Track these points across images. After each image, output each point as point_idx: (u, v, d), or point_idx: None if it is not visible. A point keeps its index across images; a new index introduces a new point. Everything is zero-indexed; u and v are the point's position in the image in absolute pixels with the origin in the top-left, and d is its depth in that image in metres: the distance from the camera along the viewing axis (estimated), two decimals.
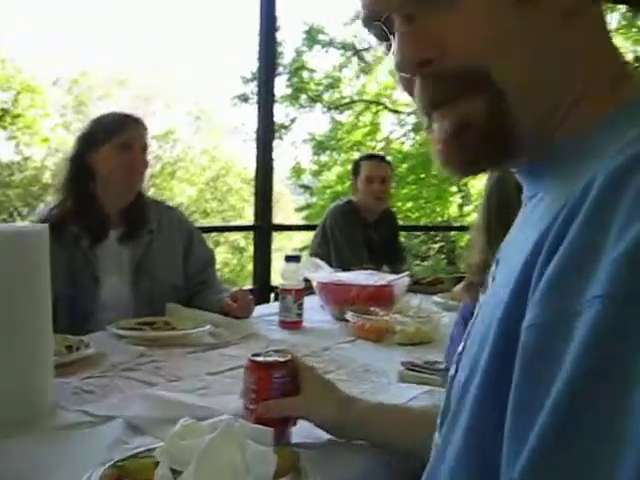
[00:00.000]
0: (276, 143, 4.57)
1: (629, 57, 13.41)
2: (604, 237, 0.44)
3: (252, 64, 14.59)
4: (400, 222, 4.72)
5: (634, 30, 13.15)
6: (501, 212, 1.45)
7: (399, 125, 14.89)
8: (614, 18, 12.68)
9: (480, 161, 0.62)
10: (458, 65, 0.57)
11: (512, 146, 0.60)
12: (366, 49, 14.13)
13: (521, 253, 0.53)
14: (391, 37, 0.62)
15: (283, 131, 14.65)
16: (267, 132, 4.31)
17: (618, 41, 13.54)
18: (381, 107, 14.69)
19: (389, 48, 0.63)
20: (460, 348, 0.69)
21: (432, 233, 13.77)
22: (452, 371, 0.70)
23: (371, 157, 3.74)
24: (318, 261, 2.56)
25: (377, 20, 0.62)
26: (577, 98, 0.59)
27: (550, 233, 0.49)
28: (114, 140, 2.14)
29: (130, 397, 1.28)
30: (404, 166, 13.41)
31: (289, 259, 2.11)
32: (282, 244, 14.96)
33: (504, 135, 0.59)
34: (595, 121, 0.57)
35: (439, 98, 0.60)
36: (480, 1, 0.57)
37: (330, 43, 14.51)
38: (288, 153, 15.43)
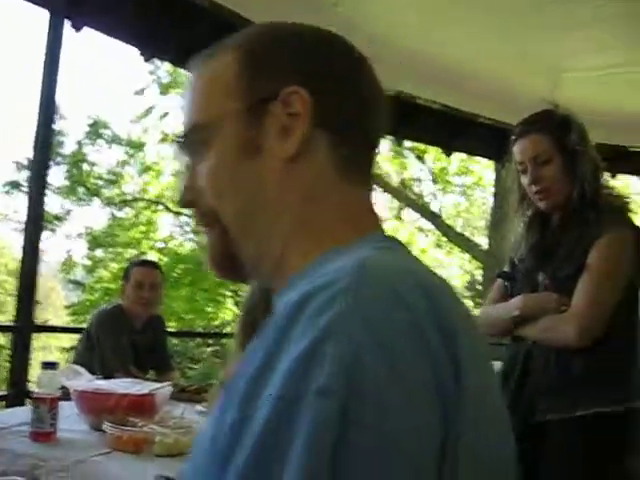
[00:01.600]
0: (48, 235, 4.32)
1: (395, 181, 14.84)
2: (287, 345, 0.52)
3: (28, 150, 13.98)
4: (175, 324, 4.69)
5: (399, 157, 14.60)
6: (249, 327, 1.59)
7: (179, 226, 14.93)
8: (384, 145, 13.99)
9: (227, 274, 0.77)
10: (204, 205, 0.73)
11: (242, 270, 0.74)
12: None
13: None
14: None
15: (57, 222, 14.02)
16: (36, 222, 4.07)
17: (386, 167, 14.93)
18: (161, 207, 14.68)
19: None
20: None
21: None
22: None
23: (142, 263, 3.76)
24: (78, 368, 2.48)
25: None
26: (282, 247, 0.70)
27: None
28: None
29: None
30: (181, 267, 13.36)
31: (46, 366, 2.03)
32: (48, 342, 14.01)
33: (233, 260, 0.73)
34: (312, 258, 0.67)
35: (202, 223, 0.76)
36: (215, 155, 0.71)
37: (114, 139, 14.39)
38: (61, 246, 14.71)
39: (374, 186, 0.75)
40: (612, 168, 5.72)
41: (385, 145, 14.11)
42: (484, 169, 13.84)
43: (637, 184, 14.80)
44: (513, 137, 2.12)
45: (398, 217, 17.53)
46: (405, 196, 15.23)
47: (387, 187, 15.07)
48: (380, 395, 0.49)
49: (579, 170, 1.97)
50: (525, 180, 2.06)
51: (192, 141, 0.73)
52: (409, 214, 17.28)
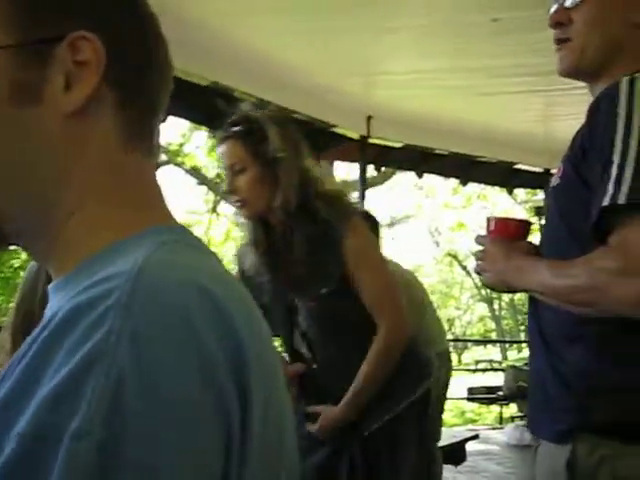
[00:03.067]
0: None
1: (212, 173, 14.71)
2: (49, 369, 0.46)
3: None
4: None
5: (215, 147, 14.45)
6: (25, 321, 1.41)
7: None
8: (201, 137, 13.79)
9: None
10: None
11: (4, 238, 0.62)
12: None
13: None
14: None
15: None
16: None
17: (206, 160, 14.76)
18: None
19: None
20: None
21: None
22: None
23: None
24: None
25: None
26: (68, 212, 0.59)
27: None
28: None
29: None
30: None
31: None
32: None
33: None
34: (90, 248, 0.57)
35: None
36: None
37: None
38: None
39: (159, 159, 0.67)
40: (419, 169, 6.08)
41: (202, 137, 13.97)
42: None
43: (442, 184, 15.99)
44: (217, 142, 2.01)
45: (214, 210, 17.43)
46: (222, 189, 15.13)
47: (204, 180, 14.90)
48: (144, 431, 0.44)
49: (282, 177, 1.85)
50: None
51: None
52: (226, 208, 17.24)
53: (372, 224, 1.99)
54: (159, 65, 0.64)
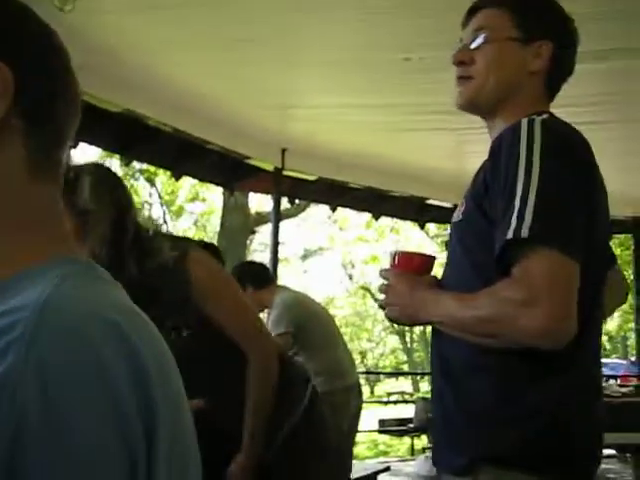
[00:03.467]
0: None
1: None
2: None
3: None
4: None
5: (129, 178, 14.22)
6: None
7: None
8: (113, 164, 13.52)
9: None
10: None
11: None
12: None
13: None
14: None
15: None
16: None
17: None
18: None
19: None
20: None
21: None
22: None
23: None
24: None
25: None
26: None
27: None
28: None
29: None
30: None
31: None
32: None
33: None
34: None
35: None
36: None
37: None
38: None
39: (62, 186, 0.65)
40: (332, 202, 6.14)
41: (114, 165, 13.70)
42: (214, 195, 14.03)
43: (355, 217, 16.20)
44: None
45: None
46: None
47: None
48: (43, 466, 0.44)
49: (95, 231, 1.75)
50: None
51: None
52: None
53: (213, 252, 1.94)
54: (68, 95, 0.64)
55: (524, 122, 1.22)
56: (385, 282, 1.40)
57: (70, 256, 0.61)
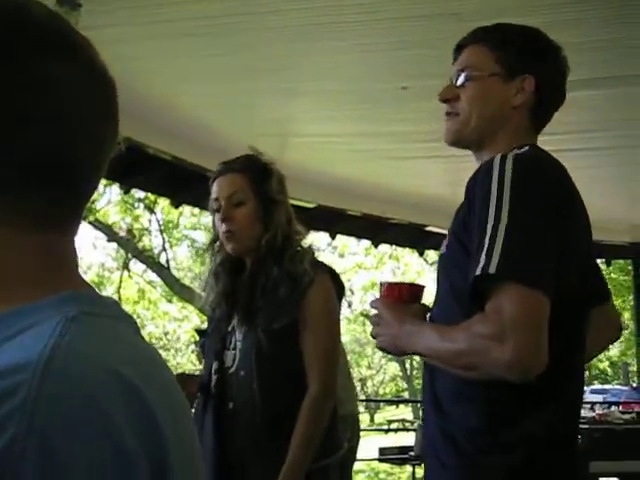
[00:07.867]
0: None
1: (123, 227, 14.36)
2: None
3: None
4: None
5: (128, 206, 14.26)
6: None
7: None
8: (113, 192, 13.57)
9: None
10: None
11: None
12: None
13: None
14: None
15: None
16: None
17: (114, 216, 14.46)
18: None
19: None
20: None
21: None
22: None
23: None
24: None
25: None
26: None
27: None
28: None
29: None
30: None
31: None
32: None
33: None
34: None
35: None
36: None
37: None
38: None
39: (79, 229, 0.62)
40: (332, 229, 6.16)
41: (114, 193, 13.73)
42: None
43: (355, 244, 16.22)
44: (213, 176, 2.07)
45: (126, 267, 17.03)
46: (133, 247, 14.84)
47: (115, 237, 14.59)
48: None
49: (275, 218, 1.94)
50: (217, 219, 1.99)
51: None
52: (137, 266, 16.88)
53: (338, 286, 2.01)
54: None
55: (497, 159, 1.24)
56: (375, 312, 1.41)
57: (73, 291, 0.56)
